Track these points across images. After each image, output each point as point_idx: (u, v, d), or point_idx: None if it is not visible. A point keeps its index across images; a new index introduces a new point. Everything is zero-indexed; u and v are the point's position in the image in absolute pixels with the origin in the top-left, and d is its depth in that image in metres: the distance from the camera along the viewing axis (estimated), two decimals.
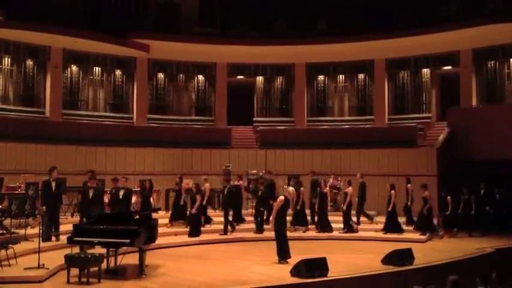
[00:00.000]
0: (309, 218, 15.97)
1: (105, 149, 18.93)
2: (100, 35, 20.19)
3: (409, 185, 16.14)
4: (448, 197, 15.73)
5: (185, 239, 14.07)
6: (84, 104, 21.47)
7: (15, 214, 12.35)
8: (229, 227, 14.92)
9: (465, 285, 7.51)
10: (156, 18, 22.18)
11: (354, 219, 16.14)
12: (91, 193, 12.17)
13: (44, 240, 10.98)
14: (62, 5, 19.96)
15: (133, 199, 14.71)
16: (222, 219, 15.15)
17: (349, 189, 15.86)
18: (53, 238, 11.84)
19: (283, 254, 11.12)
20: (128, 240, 9.37)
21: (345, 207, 15.60)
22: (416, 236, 14.96)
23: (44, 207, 11.59)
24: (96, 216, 10.57)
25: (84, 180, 13.32)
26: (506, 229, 15.53)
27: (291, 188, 12.30)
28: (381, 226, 15.72)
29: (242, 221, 16.19)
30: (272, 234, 14.44)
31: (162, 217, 15.24)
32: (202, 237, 14.31)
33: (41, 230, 10.55)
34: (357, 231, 15.48)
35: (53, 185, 11.97)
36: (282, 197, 11.26)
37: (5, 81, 19.67)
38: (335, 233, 15.38)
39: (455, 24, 19.64)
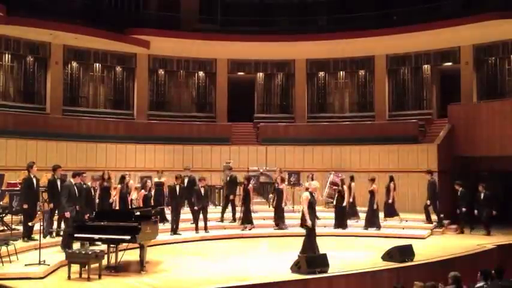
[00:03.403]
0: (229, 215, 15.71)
1: (106, 146, 18.94)
2: (100, 31, 20.14)
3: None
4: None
5: (185, 235, 14.05)
6: (85, 101, 21.46)
7: (16, 210, 12.32)
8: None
9: (466, 281, 7.53)
10: (156, 15, 22.19)
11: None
12: (83, 191, 11.16)
13: (44, 237, 11.00)
14: (62, 1, 19.96)
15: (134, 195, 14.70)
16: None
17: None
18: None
19: (310, 250, 10.76)
20: (129, 237, 9.39)
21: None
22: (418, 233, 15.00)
23: (26, 205, 11.28)
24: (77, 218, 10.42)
25: (57, 176, 12.07)
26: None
27: (314, 182, 12.15)
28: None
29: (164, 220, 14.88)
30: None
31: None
32: (202, 234, 14.30)
33: (41, 227, 10.55)
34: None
35: (34, 181, 11.65)
36: (307, 193, 10.88)
37: (6, 78, 19.66)
38: (337, 230, 15.39)
39: (456, 20, 19.59)
